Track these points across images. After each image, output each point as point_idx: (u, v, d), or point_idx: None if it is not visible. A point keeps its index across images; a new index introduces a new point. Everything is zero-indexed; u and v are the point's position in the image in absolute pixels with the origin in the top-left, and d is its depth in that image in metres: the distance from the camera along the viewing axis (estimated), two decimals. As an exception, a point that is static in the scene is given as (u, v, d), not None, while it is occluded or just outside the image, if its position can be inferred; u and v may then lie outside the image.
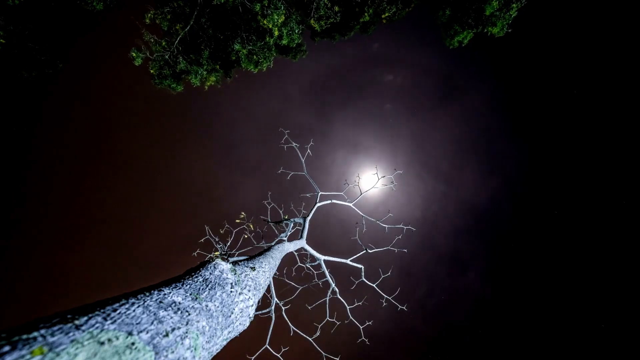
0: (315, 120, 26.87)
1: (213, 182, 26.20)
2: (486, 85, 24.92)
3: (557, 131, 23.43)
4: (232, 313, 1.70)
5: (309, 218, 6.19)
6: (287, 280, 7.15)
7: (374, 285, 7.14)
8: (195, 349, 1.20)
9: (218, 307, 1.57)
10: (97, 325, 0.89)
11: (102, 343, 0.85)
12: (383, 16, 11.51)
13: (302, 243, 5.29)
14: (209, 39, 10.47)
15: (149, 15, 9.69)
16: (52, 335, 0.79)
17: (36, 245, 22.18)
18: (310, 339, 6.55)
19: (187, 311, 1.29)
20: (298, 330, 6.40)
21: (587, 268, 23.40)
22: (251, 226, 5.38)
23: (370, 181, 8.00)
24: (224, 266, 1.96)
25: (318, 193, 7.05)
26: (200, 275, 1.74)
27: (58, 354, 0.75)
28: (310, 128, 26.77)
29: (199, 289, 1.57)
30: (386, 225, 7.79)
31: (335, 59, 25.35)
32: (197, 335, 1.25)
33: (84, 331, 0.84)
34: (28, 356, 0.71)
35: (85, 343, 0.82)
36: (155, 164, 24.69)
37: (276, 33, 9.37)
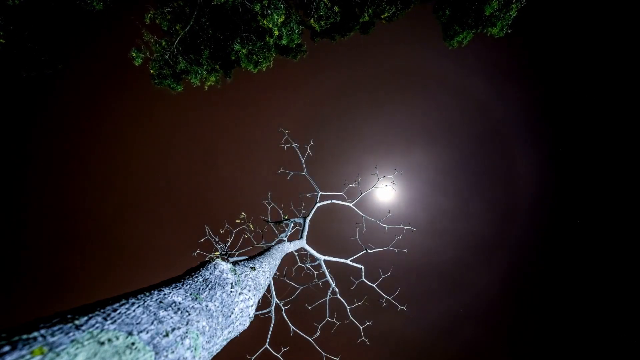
0: (315, 120, 26.88)
1: (213, 182, 26.20)
2: (492, 86, 24.52)
3: (577, 134, 22.94)
4: (232, 313, 1.70)
5: (309, 218, 6.19)
6: (287, 280, 7.15)
7: (374, 286, 7.14)
8: (195, 349, 1.20)
9: (218, 307, 1.57)
10: (97, 325, 0.89)
11: (102, 343, 0.85)
12: (382, 16, 11.50)
13: (302, 243, 5.29)
14: (208, 39, 10.47)
15: (149, 15, 9.68)
16: (52, 335, 0.79)
17: (36, 246, 22.18)
18: (310, 339, 6.55)
19: (187, 311, 1.29)
20: (298, 330, 6.39)
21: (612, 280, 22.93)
22: (251, 226, 5.39)
23: (371, 181, 8.00)
24: (224, 266, 1.96)
25: (318, 193, 7.05)
26: (200, 275, 1.74)
27: (58, 354, 0.75)
28: (310, 128, 26.77)
29: (199, 289, 1.57)
30: (386, 225, 7.80)
31: (335, 59, 25.34)
32: (197, 335, 1.25)
33: (84, 331, 0.84)
34: (28, 356, 0.71)
35: (85, 343, 0.82)
36: (155, 164, 24.69)
37: (276, 33, 9.37)
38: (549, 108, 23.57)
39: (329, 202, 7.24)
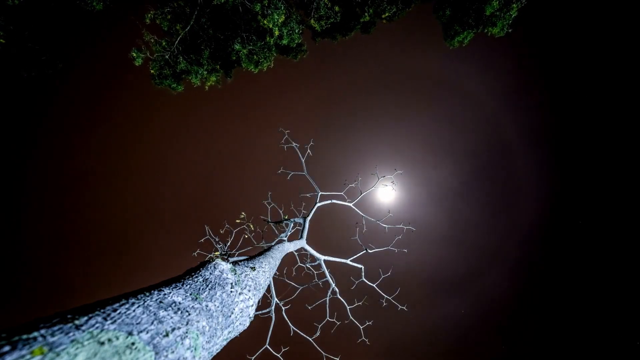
0: (316, 120, 26.85)
1: (213, 181, 26.20)
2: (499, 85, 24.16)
3: (579, 134, 22.71)
4: (232, 313, 1.70)
5: (309, 218, 6.19)
6: (287, 280, 7.15)
7: (374, 285, 7.14)
8: (195, 349, 1.20)
9: (218, 307, 1.56)
10: (97, 325, 0.89)
11: (102, 343, 0.85)
12: (383, 16, 11.50)
13: (302, 243, 5.29)
14: (209, 39, 10.47)
15: (149, 15, 9.68)
16: (52, 335, 0.79)
17: (36, 246, 22.19)
18: (310, 339, 6.55)
19: (187, 311, 1.29)
20: (298, 330, 6.39)
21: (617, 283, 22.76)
22: (251, 226, 5.39)
23: (372, 181, 8.00)
24: (224, 266, 1.96)
25: (318, 193, 7.04)
26: (200, 275, 1.74)
27: (58, 354, 0.75)
28: (310, 128, 26.74)
29: (199, 289, 1.57)
30: (386, 225, 7.80)
31: (337, 59, 25.30)
32: (197, 335, 1.25)
33: (84, 331, 0.84)
34: (28, 356, 0.71)
35: (85, 343, 0.82)
36: (155, 164, 24.69)
37: (276, 33, 9.37)
38: (551, 107, 23.49)
39: (329, 202, 7.24)
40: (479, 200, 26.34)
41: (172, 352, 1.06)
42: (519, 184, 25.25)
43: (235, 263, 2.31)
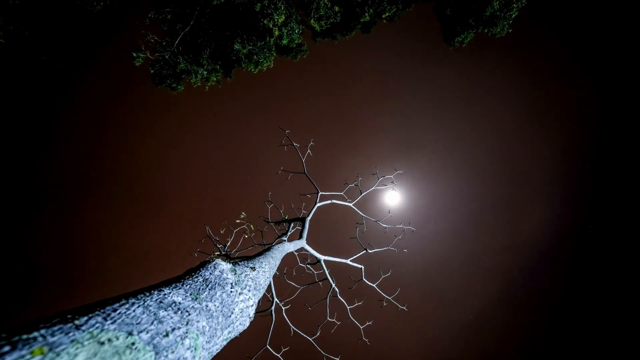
0: (314, 120, 26.85)
1: (214, 181, 26.22)
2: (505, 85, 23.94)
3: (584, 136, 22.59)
4: (232, 313, 1.70)
5: (309, 218, 6.19)
6: (287, 280, 7.16)
7: (374, 286, 7.14)
8: (195, 349, 1.20)
9: (218, 307, 1.56)
10: (97, 325, 0.89)
11: (102, 343, 0.85)
12: (383, 16, 11.50)
13: (302, 243, 5.29)
14: (209, 39, 10.47)
15: (149, 15, 9.69)
16: (52, 335, 0.79)
17: (36, 246, 22.22)
18: (310, 339, 6.55)
19: (187, 311, 1.29)
20: (298, 330, 6.39)
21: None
22: (251, 226, 5.39)
23: (372, 181, 8.00)
24: (224, 266, 1.96)
25: (318, 193, 7.05)
26: (200, 275, 1.74)
27: (58, 354, 0.75)
28: (310, 127, 26.74)
29: (199, 289, 1.57)
30: (386, 226, 7.80)
31: (336, 59, 25.26)
32: (197, 335, 1.25)
33: (84, 331, 0.84)
34: (28, 356, 0.71)
35: (85, 343, 0.82)
36: (155, 164, 24.71)
37: (276, 33, 9.38)
38: (562, 110, 23.34)
39: (329, 202, 7.24)
40: (489, 201, 26.22)
41: (172, 352, 1.06)
42: (532, 188, 25.07)
43: (235, 263, 2.31)
